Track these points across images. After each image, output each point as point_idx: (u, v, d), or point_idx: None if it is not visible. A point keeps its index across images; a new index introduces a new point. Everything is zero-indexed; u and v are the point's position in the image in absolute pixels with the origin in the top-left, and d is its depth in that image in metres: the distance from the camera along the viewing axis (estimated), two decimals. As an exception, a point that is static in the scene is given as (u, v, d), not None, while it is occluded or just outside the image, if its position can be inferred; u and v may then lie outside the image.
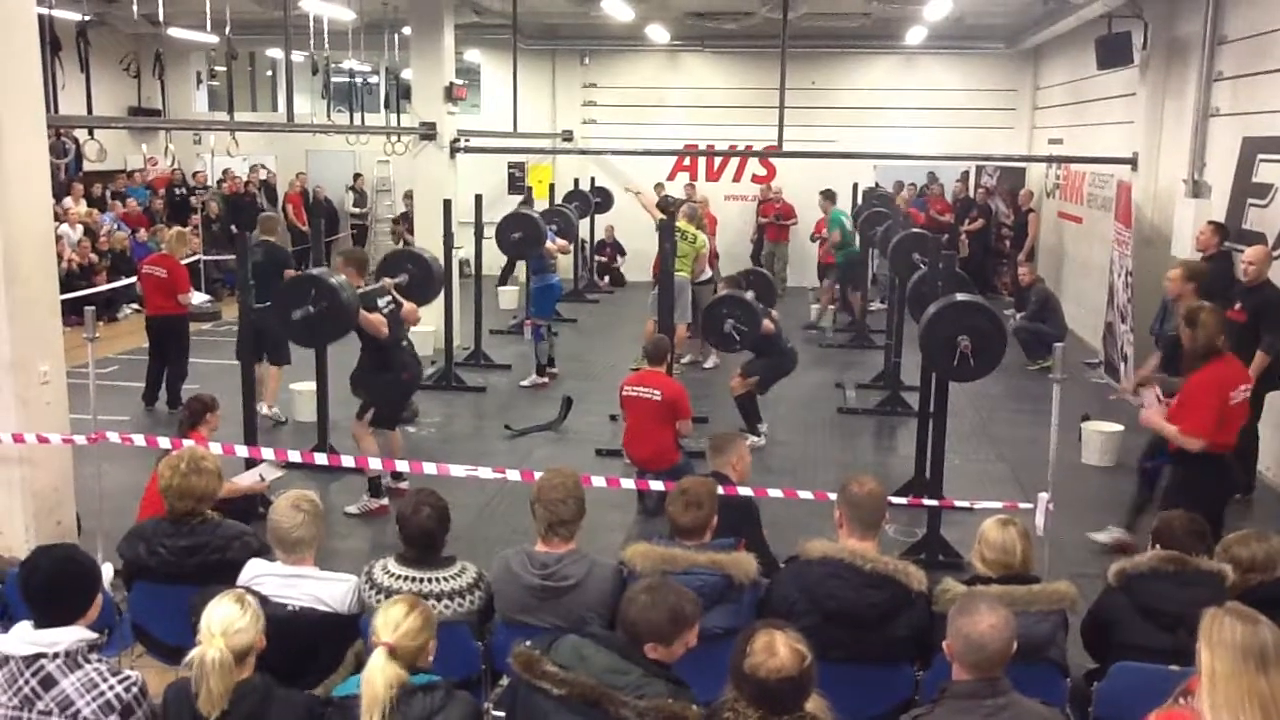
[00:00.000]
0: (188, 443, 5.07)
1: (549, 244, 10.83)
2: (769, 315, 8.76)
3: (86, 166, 14.35)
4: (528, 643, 3.02)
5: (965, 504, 6.30)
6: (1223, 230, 8.46)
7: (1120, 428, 8.47)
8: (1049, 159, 15.19)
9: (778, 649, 2.64)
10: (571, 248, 11.57)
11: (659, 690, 2.87)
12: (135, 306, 14.34)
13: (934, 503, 6.32)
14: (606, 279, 17.43)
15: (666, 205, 11.48)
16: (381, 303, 7.24)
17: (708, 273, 11.48)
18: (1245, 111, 9.03)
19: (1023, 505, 5.34)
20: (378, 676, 2.83)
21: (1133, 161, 11.16)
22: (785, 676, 2.62)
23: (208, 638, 2.93)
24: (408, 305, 7.56)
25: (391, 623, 2.94)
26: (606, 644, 2.99)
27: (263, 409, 8.85)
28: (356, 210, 18.72)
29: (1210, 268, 8.29)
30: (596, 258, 17.28)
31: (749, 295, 8.70)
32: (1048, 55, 16.27)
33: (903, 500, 6.30)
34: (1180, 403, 5.47)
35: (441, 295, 10.68)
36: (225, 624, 2.96)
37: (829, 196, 14.46)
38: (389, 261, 8.33)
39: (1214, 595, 3.75)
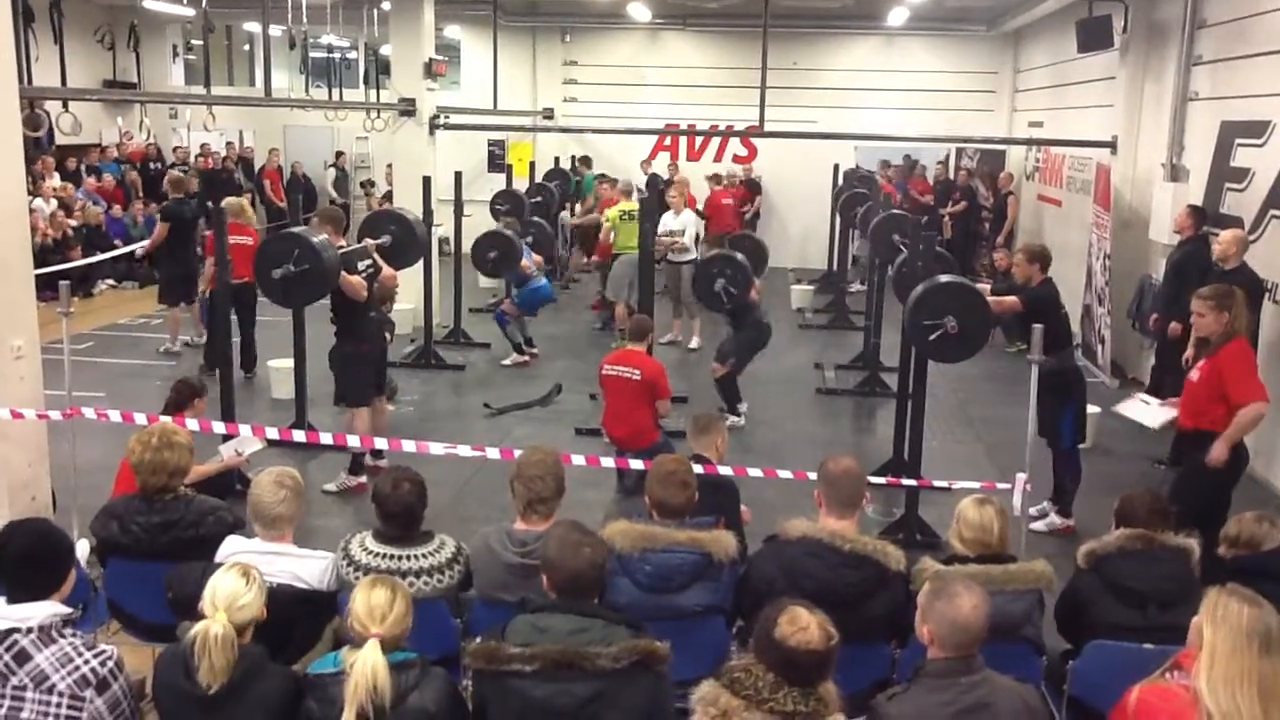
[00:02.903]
0: (166, 419, 5.04)
1: (524, 261, 10.74)
2: (755, 285, 8.78)
3: (60, 140, 14.20)
4: (478, 639, 3.03)
5: (943, 484, 6.34)
6: (1200, 214, 8.51)
7: (1097, 409, 8.51)
8: (1029, 141, 15.22)
9: (808, 623, 2.69)
10: (546, 265, 11.50)
11: (622, 635, 2.95)
12: (111, 282, 14.24)
13: (912, 483, 6.35)
14: (586, 258, 17.36)
15: (655, 183, 11.52)
16: (361, 265, 7.10)
17: (691, 252, 11.50)
18: (1224, 96, 9.07)
19: (1000, 485, 5.37)
20: (371, 670, 2.81)
21: (1112, 145, 11.20)
22: (813, 650, 2.66)
23: (211, 611, 2.94)
24: (387, 270, 7.44)
25: (379, 612, 2.93)
26: (560, 609, 3.03)
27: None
28: (336, 194, 18.52)
29: (1188, 250, 8.38)
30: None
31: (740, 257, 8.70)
32: (1028, 38, 16.29)
33: (881, 480, 6.33)
34: (1222, 382, 5.43)
35: (421, 273, 10.66)
36: (230, 598, 2.97)
37: (585, 162, 14.76)
38: (372, 222, 8.19)
39: (1181, 571, 3.81)
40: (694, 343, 11.56)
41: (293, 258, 6.47)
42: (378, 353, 7.41)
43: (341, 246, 7.01)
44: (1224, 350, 5.44)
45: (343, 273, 6.76)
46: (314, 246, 6.51)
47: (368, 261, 7.20)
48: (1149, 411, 6.06)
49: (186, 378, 5.97)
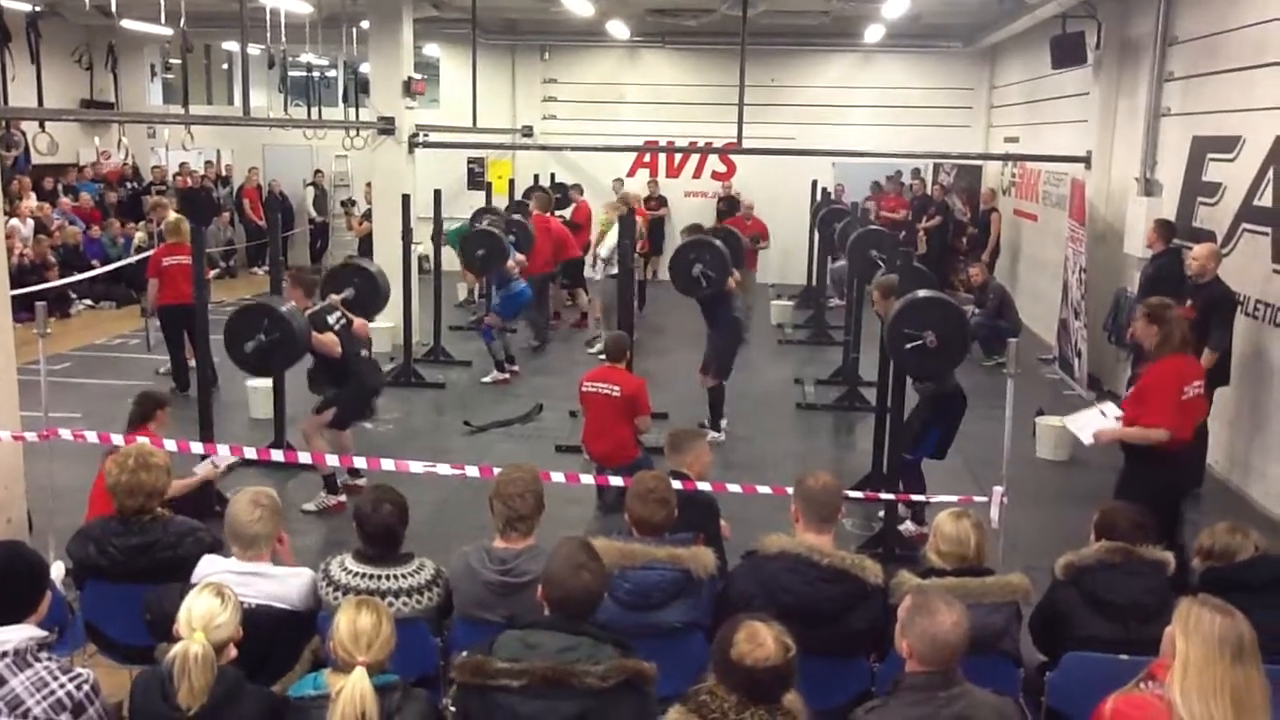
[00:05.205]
0: (143, 440, 5.01)
1: (509, 260, 10.76)
2: (734, 274, 8.83)
3: (36, 160, 14.15)
4: (464, 653, 3.03)
5: (921, 498, 6.38)
6: (1169, 227, 8.61)
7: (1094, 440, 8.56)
8: (1005, 157, 15.37)
9: (764, 639, 2.69)
10: (527, 263, 11.53)
11: (610, 654, 2.93)
12: (88, 302, 14.16)
13: (890, 497, 6.37)
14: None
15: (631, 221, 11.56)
16: (332, 319, 7.17)
17: (614, 266, 11.48)
18: (1195, 111, 9.19)
19: (977, 498, 5.40)
20: (359, 697, 2.81)
21: (1086, 160, 11.32)
22: (771, 666, 2.67)
23: (188, 631, 2.93)
24: (358, 321, 7.51)
25: (364, 640, 2.92)
26: (550, 626, 3.02)
27: None
28: (316, 213, 18.50)
29: (1161, 264, 8.47)
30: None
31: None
32: (1004, 54, 16.45)
33: (860, 494, 6.35)
34: (1138, 398, 5.52)
35: (400, 292, 10.64)
36: (206, 618, 2.96)
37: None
38: (334, 276, 8.25)
39: (1159, 584, 3.83)
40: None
41: (263, 328, 6.48)
42: (378, 387, 7.50)
43: (308, 307, 7.05)
44: (1153, 367, 5.49)
45: (314, 334, 6.80)
46: (283, 315, 6.51)
47: (337, 315, 7.28)
48: (1091, 424, 6.00)
49: (148, 391, 5.94)
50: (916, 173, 17.36)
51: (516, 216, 12.46)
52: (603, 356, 7.21)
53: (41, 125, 7.98)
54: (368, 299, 8.04)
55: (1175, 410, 5.33)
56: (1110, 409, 5.95)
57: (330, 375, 7.19)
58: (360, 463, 6.61)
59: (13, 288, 6.24)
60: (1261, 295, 7.80)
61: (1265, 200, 7.82)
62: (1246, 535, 3.97)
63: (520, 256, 11.17)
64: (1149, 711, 2.75)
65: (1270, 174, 7.74)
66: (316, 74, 16.06)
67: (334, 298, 7.54)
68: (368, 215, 13.18)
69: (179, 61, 18.07)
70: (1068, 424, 6.37)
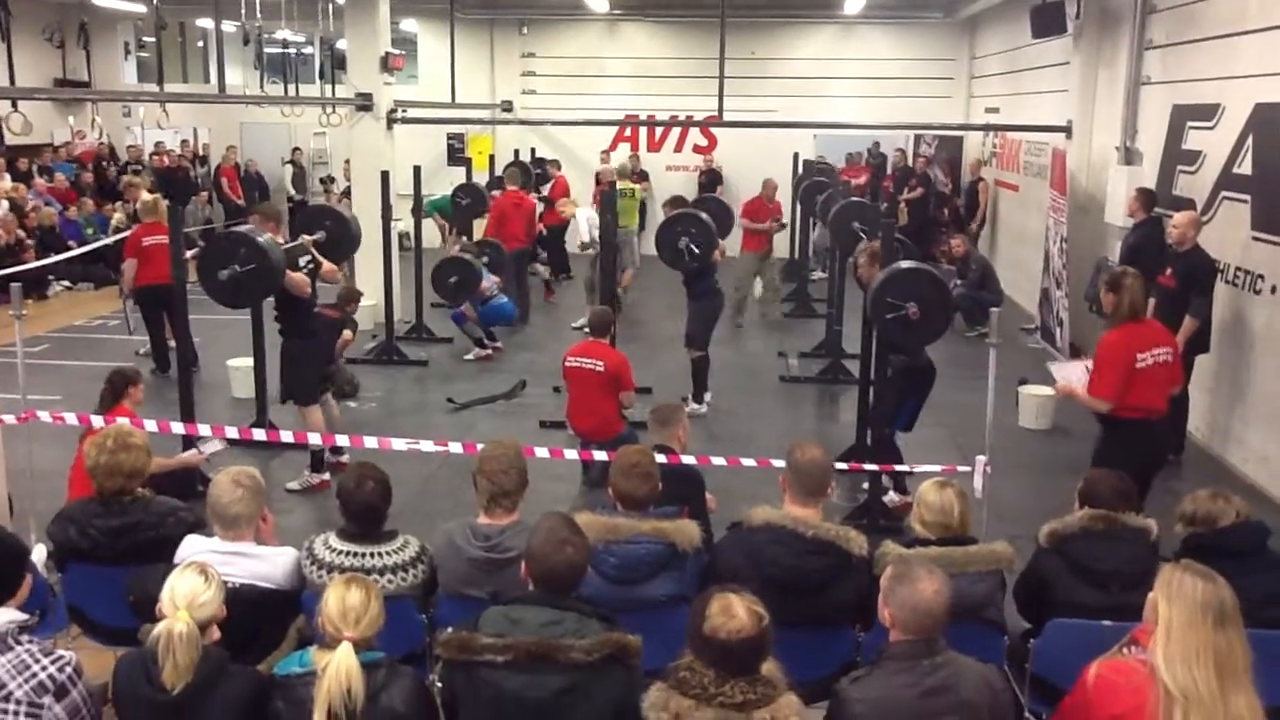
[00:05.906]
0: (122, 420, 4.97)
1: (484, 283, 10.69)
2: (720, 246, 8.92)
3: (10, 140, 13.97)
4: (449, 629, 3.02)
5: (905, 468, 6.40)
6: (1149, 196, 8.62)
7: (1054, 392, 8.61)
8: (985, 127, 15.35)
9: (736, 611, 2.68)
10: (503, 283, 11.44)
11: (595, 629, 2.94)
12: (66, 283, 14.04)
13: (874, 468, 6.39)
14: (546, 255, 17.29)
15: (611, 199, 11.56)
16: (301, 262, 7.08)
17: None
18: (1175, 80, 9.19)
19: (961, 468, 5.42)
20: (345, 673, 2.80)
21: (1067, 130, 11.32)
22: (745, 637, 2.66)
23: (172, 610, 2.91)
24: (327, 265, 7.43)
25: (353, 615, 2.91)
26: (534, 601, 3.02)
27: None
28: (295, 191, 18.34)
29: (1143, 233, 8.49)
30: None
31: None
32: (984, 25, 16.41)
33: (844, 466, 6.37)
34: (1093, 366, 5.53)
35: (381, 269, 10.60)
36: (190, 596, 2.94)
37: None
38: (308, 217, 8.16)
39: (1142, 551, 3.85)
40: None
41: (238, 257, 6.39)
42: (324, 349, 7.40)
43: (281, 243, 6.98)
44: (1103, 338, 5.46)
45: (287, 270, 6.73)
46: (260, 245, 6.43)
47: (307, 258, 7.19)
48: (1070, 375, 5.98)
49: (119, 368, 5.89)
50: (918, 141, 17.32)
51: (491, 239, 12.44)
52: (587, 331, 7.18)
53: (14, 105, 7.88)
54: (339, 242, 7.98)
55: (1120, 381, 5.27)
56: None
57: (287, 321, 7.05)
58: (343, 440, 6.58)
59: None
60: (1241, 263, 7.83)
61: (1244, 168, 7.83)
62: (1229, 501, 3.98)
63: (495, 278, 11.10)
64: (1132, 677, 2.76)
65: (1249, 141, 7.76)
66: (293, 50, 15.88)
67: (305, 238, 7.44)
68: (347, 193, 13.07)
69: (153, 39, 17.91)
70: (1051, 369, 6.38)
